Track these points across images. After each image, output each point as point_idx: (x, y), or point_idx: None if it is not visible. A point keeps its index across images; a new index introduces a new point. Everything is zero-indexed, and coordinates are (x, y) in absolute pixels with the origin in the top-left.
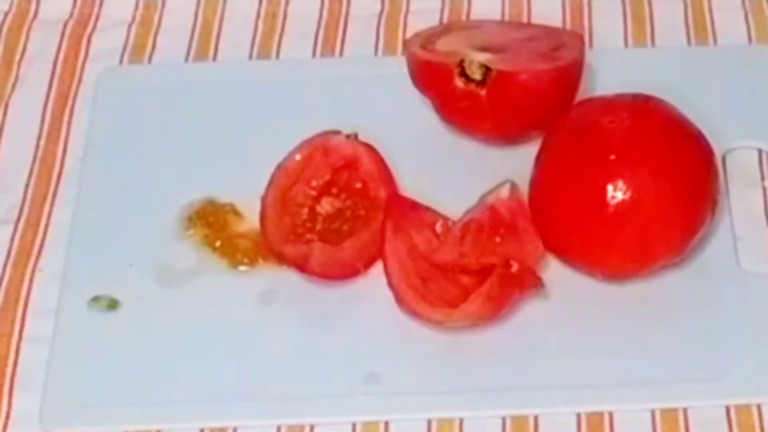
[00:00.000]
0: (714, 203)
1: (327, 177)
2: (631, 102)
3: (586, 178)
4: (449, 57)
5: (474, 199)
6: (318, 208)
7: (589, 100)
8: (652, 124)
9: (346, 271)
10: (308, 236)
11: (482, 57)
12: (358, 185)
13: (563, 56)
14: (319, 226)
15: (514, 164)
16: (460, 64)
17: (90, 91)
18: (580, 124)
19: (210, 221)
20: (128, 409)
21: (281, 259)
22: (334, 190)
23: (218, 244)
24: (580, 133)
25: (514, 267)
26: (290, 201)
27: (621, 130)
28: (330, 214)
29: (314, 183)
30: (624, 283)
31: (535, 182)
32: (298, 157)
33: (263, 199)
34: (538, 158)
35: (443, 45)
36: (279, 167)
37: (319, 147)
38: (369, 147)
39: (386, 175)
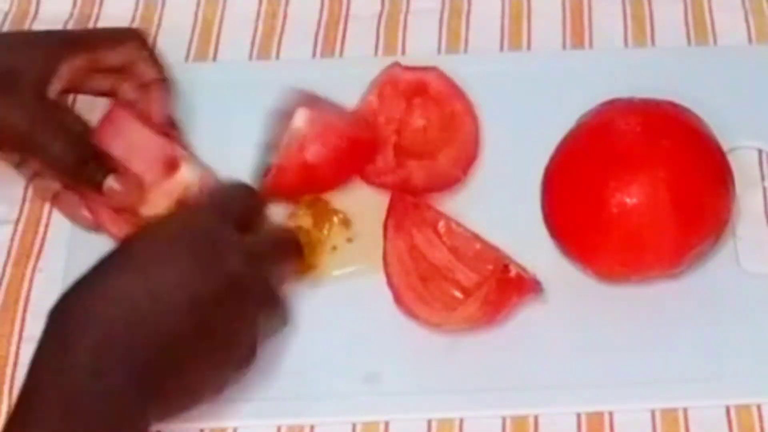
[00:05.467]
0: (720, 223)
1: (404, 106)
2: (653, 108)
3: (588, 176)
4: None
5: (473, 198)
6: (402, 136)
7: (615, 101)
8: (666, 133)
9: (450, 182)
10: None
11: None
12: (433, 104)
13: None
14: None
15: (515, 163)
16: None
17: None
18: (598, 122)
19: None
20: None
21: (385, 186)
22: (414, 116)
23: None
24: (594, 132)
25: (513, 272)
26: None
27: (632, 134)
28: (415, 137)
29: (395, 114)
30: (622, 284)
31: (548, 172)
32: (371, 97)
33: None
34: (556, 150)
35: None
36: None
37: (388, 82)
38: (434, 69)
39: (457, 90)
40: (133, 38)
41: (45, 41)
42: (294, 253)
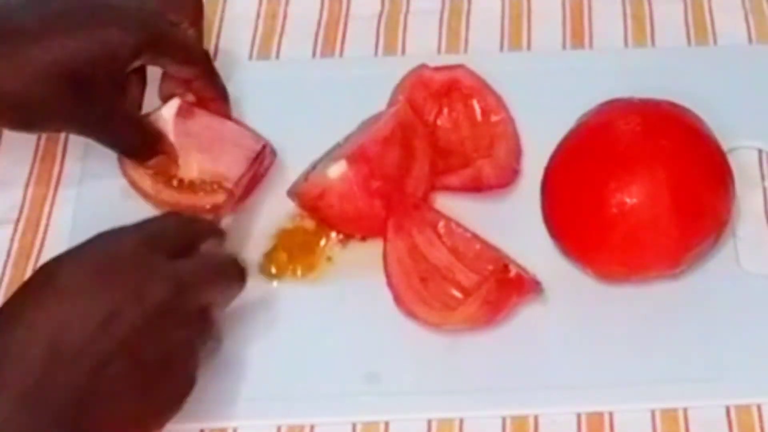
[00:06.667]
0: (720, 223)
1: (436, 109)
2: (652, 108)
3: (587, 176)
4: None
5: (474, 198)
6: (441, 136)
7: (615, 101)
8: (666, 133)
9: (511, 175)
10: (453, 160)
11: None
12: (466, 102)
13: None
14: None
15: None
16: None
17: None
18: (598, 122)
19: None
20: None
21: (451, 189)
22: (444, 116)
23: None
24: (594, 132)
25: (513, 272)
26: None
27: (631, 134)
28: (450, 137)
29: (428, 118)
30: (622, 284)
31: (548, 172)
32: (401, 98)
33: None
34: (556, 150)
35: None
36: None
37: (417, 84)
38: (462, 66)
39: (486, 86)
40: (202, 61)
41: (123, 24)
42: (233, 276)
